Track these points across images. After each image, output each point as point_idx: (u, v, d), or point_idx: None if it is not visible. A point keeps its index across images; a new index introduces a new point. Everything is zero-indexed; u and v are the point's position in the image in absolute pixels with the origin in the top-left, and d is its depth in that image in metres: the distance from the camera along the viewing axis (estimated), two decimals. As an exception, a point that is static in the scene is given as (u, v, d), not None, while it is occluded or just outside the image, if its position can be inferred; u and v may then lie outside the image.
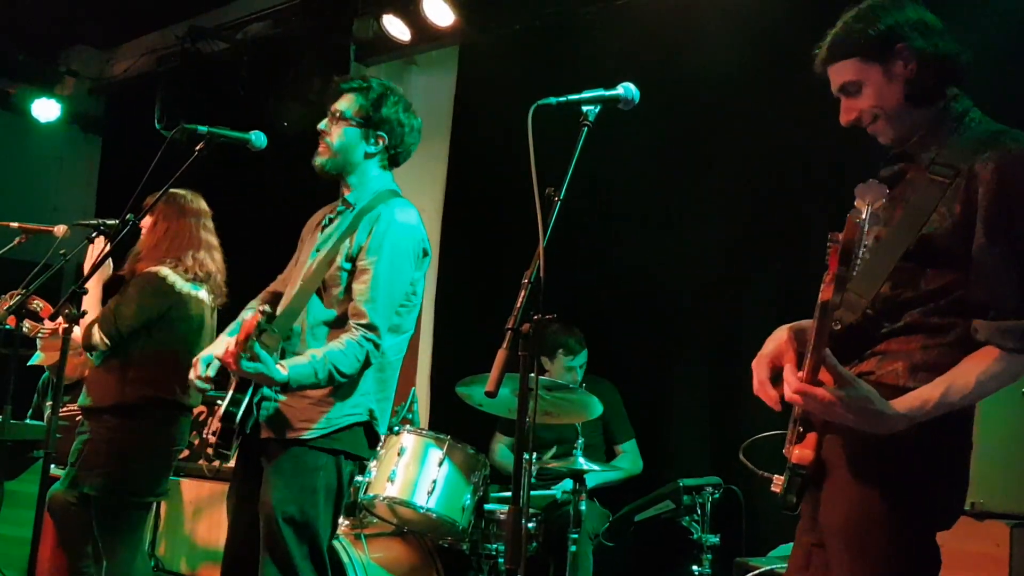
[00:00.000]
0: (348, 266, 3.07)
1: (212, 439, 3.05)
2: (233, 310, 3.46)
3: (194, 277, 3.92)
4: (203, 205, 4.06)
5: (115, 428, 3.76)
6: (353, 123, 3.16)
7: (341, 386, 3.03)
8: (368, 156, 3.20)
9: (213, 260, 4.02)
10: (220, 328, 4.00)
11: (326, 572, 3.05)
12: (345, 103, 3.18)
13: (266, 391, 3.06)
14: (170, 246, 3.88)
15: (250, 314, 2.92)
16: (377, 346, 3.00)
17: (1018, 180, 1.93)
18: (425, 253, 3.19)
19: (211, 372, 3.09)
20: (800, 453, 2.03)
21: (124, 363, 3.80)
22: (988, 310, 1.95)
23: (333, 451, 3.04)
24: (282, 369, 2.86)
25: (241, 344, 2.76)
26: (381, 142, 3.19)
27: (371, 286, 3.02)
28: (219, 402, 3.08)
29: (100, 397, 3.80)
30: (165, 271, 3.84)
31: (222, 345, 3.08)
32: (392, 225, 3.08)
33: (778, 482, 2.09)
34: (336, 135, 3.16)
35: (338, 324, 3.08)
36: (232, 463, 3.24)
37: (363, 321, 2.99)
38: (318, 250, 3.19)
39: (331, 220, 3.26)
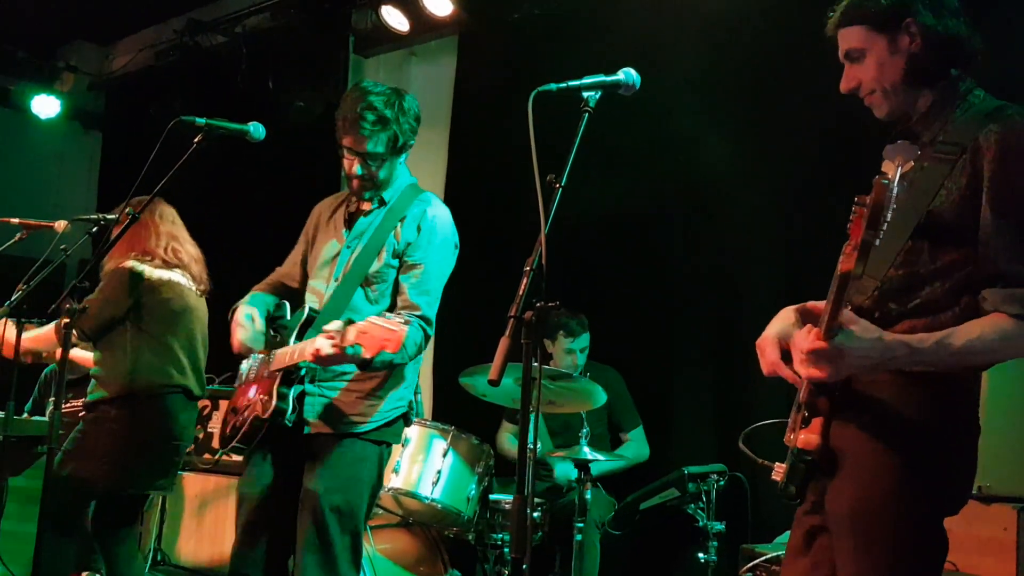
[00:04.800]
0: (395, 262, 3.14)
1: (238, 433, 3.05)
2: (233, 297, 3.47)
3: (164, 263, 3.93)
4: (163, 205, 4.03)
5: (116, 419, 3.76)
6: (392, 156, 3.17)
7: (391, 379, 3.11)
8: (400, 163, 3.26)
9: (184, 250, 4.02)
10: (212, 318, 4.02)
11: (360, 564, 3.09)
12: (378, 145, 3.13)
13: (308, 387, 3.08)
14: (133, 239, 3.87)
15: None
16: (428, 337, 3.11)
17: (1022, 149, 1.92)
18: (456, 248, 3.27)
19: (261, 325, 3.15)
20: (806, 438, 2.02)
21: (122, 355, 3.81)
22: (997, 281, 1.93)
23: (380, 442, 3.12)
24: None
25: (386, 351, 2.74)
26: (410, 146, 3.24)
27: (423, 279, 3.12)
28: (263, 397, 3.06)
29: (109, 390, 3.81)
30: (131, 263, 3.86)
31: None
32: (438, 223, 3.18)
33: (779, 470, 2.08)
34: (379, 172, 3.16)
35: None
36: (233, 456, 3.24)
37: (417, 313, 3.07)
38: (350, 247, 3.20)
39: (352, 214, 3.27)
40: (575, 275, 5.18)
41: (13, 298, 3.60)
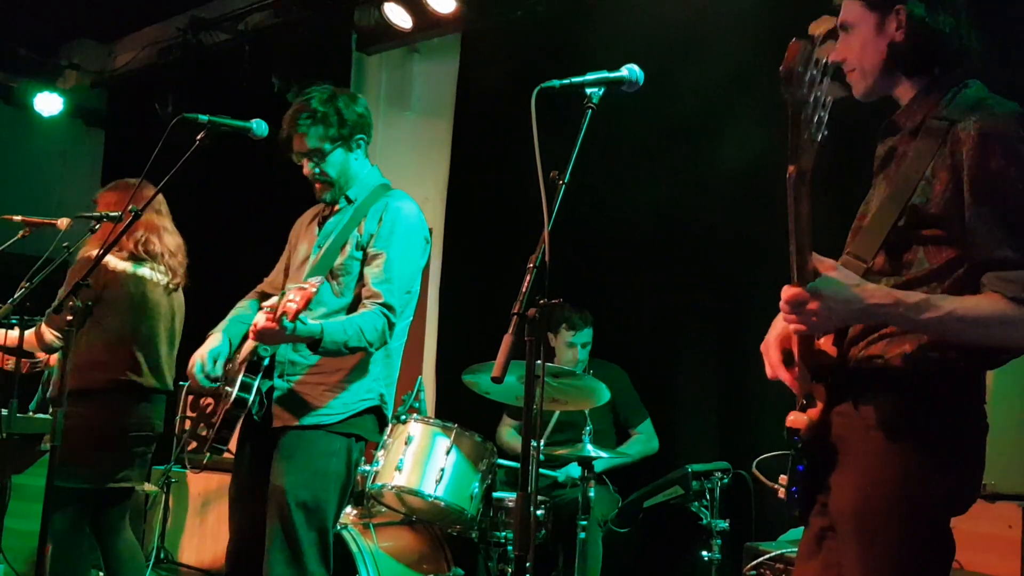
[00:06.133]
0: (359, 255, 3.16)
1: (210, 432, 3.05)
2: (234, 294, 3.48)
3: (131, 256, 3.90)
4: (148, 190, 4.00)
5: (69, 415, 3.74)
6: (334, 149, 3.21)
7: (356, 369, 3.11)
8: (356, 160, 3.29)
9: (160, 241, 3.98)
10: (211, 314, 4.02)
11: (329, 561, 3.07)
12: (314, 140, 3.20)
13: (277, 381, 3.09)
14: (105, 229, 3.85)
15: (275, 300, 2.94)
16: (392, 325, 3.08)
17: (1001, 137, 1.91)
18: (427, 242, 3.31)
19: (218, 370, 3.13)
20: (795, 418, 2.01)
21: (79, 351, 3.77)
22: (989, 268, 1.90)
23: (348, 435, 3.11)
24: (316, 323, 2.91)
25: (300, 311, 2.71)
26: (362, 141, 3.29)
27: (385, 268, 3.11)
28: (227, 389, 3.07)
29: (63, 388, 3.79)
30: (123, 265, 3.85)
31: (218, 340, 3.18)
32: (401, 213, 3.19)
33: (784, 483, 2.08)
34: (328, 169, 3.22)
35: (352, 312, 3.14)
36: (227, 453, 3.24)
37: (379, 300, 3.07)
38: (320, 246, 3.25)
39: (325, 217, 3.33)
40: (580, 272, 5.18)
41: (16, 296, 3.59)
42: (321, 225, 3.33)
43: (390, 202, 3.21)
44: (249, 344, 3.13)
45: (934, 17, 2.04)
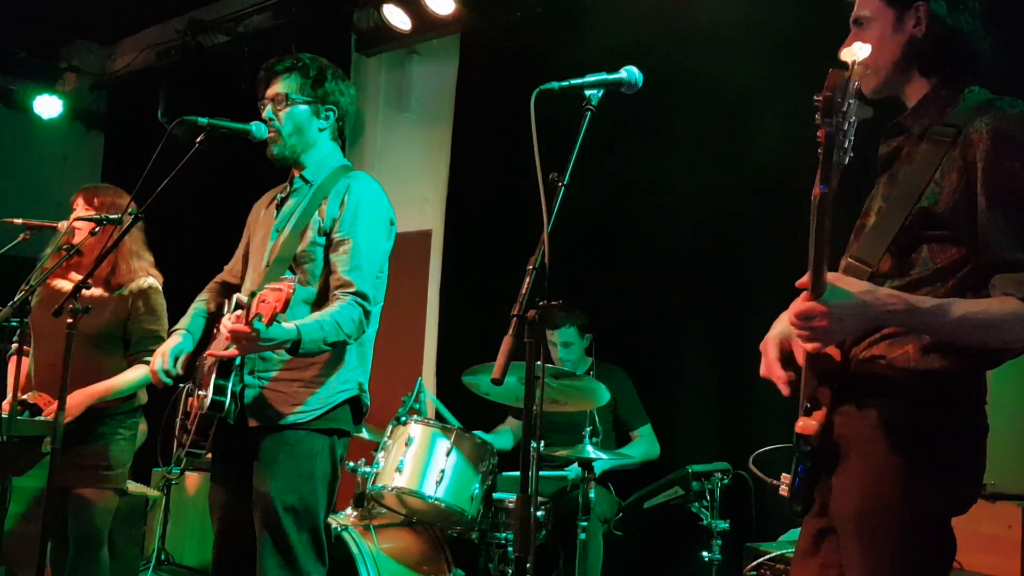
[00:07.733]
0: (322, 240, 3.05)
1: (187, 438, 3.01)
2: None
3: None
4: (124, 198, 4.01)
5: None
6: (300, 103, 3.13)
7: (331, 362, 3.02)
8: (320, 131, 3.19)
9: (149, 256, 4.07)
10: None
11: (325, 557, 3.03)
12: (285, 85, 3.12)
13: (247, 378, 3.01)
14: (138, 246, 3.94)
15: (243, 300, 2.89)
16: (367, 313, 2.98)
17: (1014, 138, 1.91)
18: (392, 224, 3.19)
19: (180, 368, 3.08)
20: (804, 424, 2.01)
21: (101, 374, 3.80)
22: (1001, 270, 1.90)
23: (329, 431, 3.02)
24: (291, 326, 2.80)
25: (277, 312, 2.58)
26: (331, 115, 3.19)
27: (353, 255, 3.00)
28: (200, 393, 2.99)
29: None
30: (155, 282, 3.94)
31: (180, 338, 3.13)
32: (364, 196, 3.08)
33: (786, 480, 2.08)
34: (286, 119, 3.12)
35: (319, 301, 3.04)
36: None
37: (351, 289, 2.96)
38: (278, 230, 3.15)
39: (283, 199, 3.23)
40: (580, 274, 5.18)
41: (16, 298, 3.59)
42: (279, 209, 3.21)
43: (352, 184, 3.09)
44: (217, 344, 3.03)
45: (955, 16, 2.04)
